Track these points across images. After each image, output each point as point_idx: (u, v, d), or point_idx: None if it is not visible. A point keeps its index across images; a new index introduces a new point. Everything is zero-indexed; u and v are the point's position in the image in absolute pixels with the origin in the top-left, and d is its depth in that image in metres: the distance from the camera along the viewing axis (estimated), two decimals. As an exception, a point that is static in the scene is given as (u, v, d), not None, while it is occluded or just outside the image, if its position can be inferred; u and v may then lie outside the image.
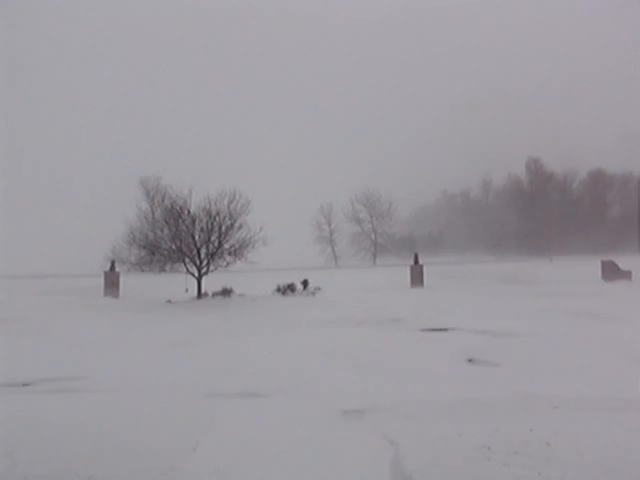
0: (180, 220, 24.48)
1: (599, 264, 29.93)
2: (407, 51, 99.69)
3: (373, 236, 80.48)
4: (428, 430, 5.55)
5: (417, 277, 28.25)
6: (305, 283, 24.07)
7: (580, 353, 10.00)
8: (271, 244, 25.14)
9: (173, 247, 24.51)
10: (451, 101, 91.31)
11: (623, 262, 29.75)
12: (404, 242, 76.84)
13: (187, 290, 24.64)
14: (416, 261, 29.05)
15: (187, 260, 24.49)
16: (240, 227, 24.62)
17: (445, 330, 12.94)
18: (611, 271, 29.23)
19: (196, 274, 24.40)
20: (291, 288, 23.80)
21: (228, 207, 24.47)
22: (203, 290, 24.28)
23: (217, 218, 24.38)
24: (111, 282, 25.89)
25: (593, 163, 73.10)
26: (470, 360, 9.49)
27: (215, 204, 24.45)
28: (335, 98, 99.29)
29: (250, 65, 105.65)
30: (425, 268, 28.85)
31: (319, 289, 23.62)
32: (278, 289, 23.80)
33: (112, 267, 26.25)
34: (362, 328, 14.17)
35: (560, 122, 79.83)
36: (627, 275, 28.64)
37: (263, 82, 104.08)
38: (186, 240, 24.33)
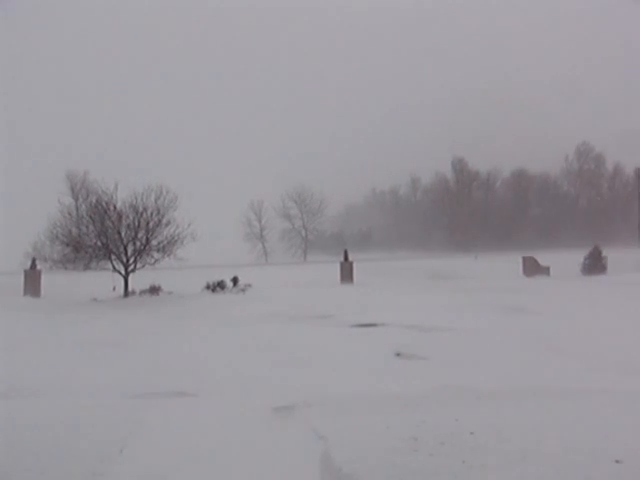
0: (106, 216, 23.72)
1: (520, 260, 31.29)
2: (336, 45, 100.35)
3: (304, 233, 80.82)
4: (357, 423, 5.63)
5: (347, 273, 28.56)
6: (235, 280, 23.84)
7: (503, 345, 10.44)
8: (200, 240, 24.78)
9: (99, 244, 23.71)
10: (381, 101, 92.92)
11: (542, 258, 31.21)
12: (334, 239, 77.54)
13: (114, 288, 23.89)
14: (346, 258, 29.36)
15: (114, 257, 23.76)
16: (168, 223, 24.13)
17: (374, 325, 13.16)
18: (531, 267, 30.62)
19: (123, 272, 23.72)
20: (221, 285, 23.52)
21: (155, 203, 23.95)
22: (130, 288, 23.61)
23: (144, 214, 23.78)
24: (32, 280, 24.73)
25: (516, 163, 76.30)
26: (398, 354, 9.70)
27: (142, 200, 23.87)
28: (267, 95, 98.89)
29: (178, 55, 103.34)
30: (355, 265, 29.20)
31: (249, 286, 23.47)
32: (207, 286, 23.46)
33: (33, 265, 25.10)
34: (292, 324, 14.20)
35: (484, 123, 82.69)
36: (546, 271, 30.09)
37: (192, 74, 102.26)
38: (112, 237, 23.59)
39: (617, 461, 4.57)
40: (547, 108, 79.93)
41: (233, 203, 73.16)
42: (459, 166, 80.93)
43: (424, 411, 6.00)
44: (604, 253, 31.86)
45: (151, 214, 23.81)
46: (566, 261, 30.77)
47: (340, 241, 70.83)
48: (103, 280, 24.46)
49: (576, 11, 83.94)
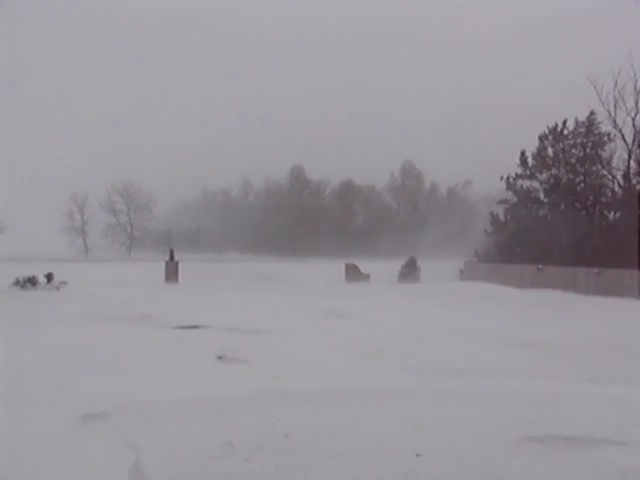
0: None
1: (344, 266, 32.83)
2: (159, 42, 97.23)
3: (129, 229, 77.23)
4: (171, 430, 5.41)
5: (172, 273, 27.77)
6: (49, 276, 21.98)
7: (322, 348, 10.77)
8: (10, 232, 22.50)
9: None
10: (217, 102, 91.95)
11: (365, 266, 33.05)
12: (162, 237, 75.02)
13: None
14: (171, 257, 28.57)
15: None
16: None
17: (197, 327, 12.87)
18: (353, 273, 32.29)
19: None
20: (32, 281, 21.51)
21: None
22: None
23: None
24: None
25: (345, 174, 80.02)
26: (220, 357, 9.56)
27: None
28: (98, 84, 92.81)
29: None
30: (181, 265, 28.51)
31: (65, 283, 21.74)
32: (17, 282, 21.32)
33: None
34: (108, 325, 13.30)
35: (321, 133, 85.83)
36: (366, 277, 31.93)
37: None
38: None
39: (418, 455, 4.90)
40: (378, 125, 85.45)
41: (56, 194, 67.49)
42: (297, 173, 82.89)
43: (242, 415, 5.96)
44: (419, 263, 34.65)
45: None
46: (386, 269, 32.93)
47: (168, 239, 68.69)
48: None
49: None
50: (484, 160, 59.19)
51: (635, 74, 32.94)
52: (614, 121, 34.02)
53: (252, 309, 17.07)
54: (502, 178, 37.26)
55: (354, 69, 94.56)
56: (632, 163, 34.16)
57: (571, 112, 35.23)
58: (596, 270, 27.20)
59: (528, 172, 36.66)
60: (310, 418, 5.95)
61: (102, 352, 9.79)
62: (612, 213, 34.95)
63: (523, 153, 36.68)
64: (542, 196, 36.67)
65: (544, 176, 36.46)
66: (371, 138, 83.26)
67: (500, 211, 37.67)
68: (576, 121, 35.37)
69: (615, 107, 33.69)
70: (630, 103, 33.40)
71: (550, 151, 36.48)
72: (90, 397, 6.77)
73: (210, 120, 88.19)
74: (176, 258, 28.66)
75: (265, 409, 6.27)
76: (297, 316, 15.56)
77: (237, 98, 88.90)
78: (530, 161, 36.66)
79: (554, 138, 36.24)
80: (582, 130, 35.43)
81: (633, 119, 33.59)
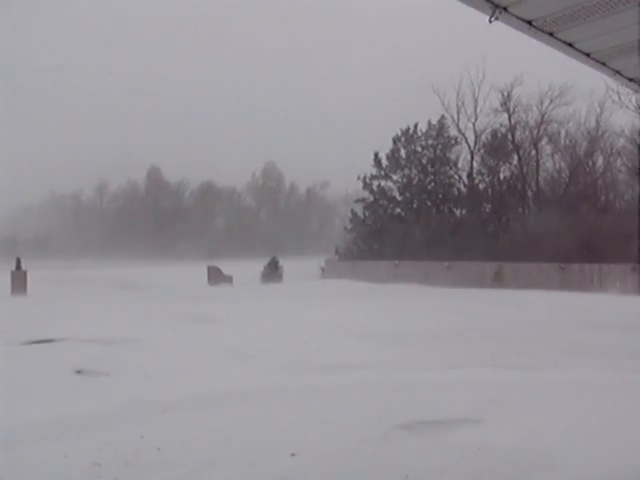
0: None
1: (206, 269, 32.29)
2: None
3: (-38, 236, 70.14)
4: (29, 456, 4.96)
5: (19, 284, 25.59)
6: None
7: (188, 354, 10.49)
8: None
9: None
10: (65, 98, 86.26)
11: (227, 267, 32.72)
12: (4, 244, 68.86)
13: None
14: (18, 266, 26.32)
15: None
16: None
17: (51, 341, 11.96)
18: (215, 276, 31.85)
19: None
20: None
21: None
22: None
23: None
24: None
25: (206, 176, 78.73)
26: (79, 371, 8.96)
27: None
28: None
29: None
30: (30, 274, 26.37)
31: None
32: None
33: None
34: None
35: (179, 134, 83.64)
36: (229, 279, 31.65)
37: None
38: None
39: (293, 454, 4.95)
40: (239, 126, 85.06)
41: None
42: (155, 175, 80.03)
43: (108, 432, 5.62)
44: (281, 263, 35.01)
45: None
46: (249, 270, 32.87)
47: (12, 247, 63.16)
48: None
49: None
50: (341, 161, 61.38)
51: (473, 84, 36.00)
52: (457, 126, 36.94)
53: (111, 318, 16.23)
54: (359, 178, 38.83)
55: (214, 68, 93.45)
56: (474, 164, 37.23)
57: (423, 116, 37.69)
58: (446, 264, 29.20)
59: (383, 172, 38.53)
60: (181, 428, 5.77)
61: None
62: (459, 210, 37.81)
63: (377, 154, 38.51)
64: (397, 195, 38.75)
65: (398, 176, 38.55)
66: (232, 139, 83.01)
67: (359, 209, 39.22)
68: (429, 124, 37.82)
69: (458, 113, 36.60)
70: (470, 110, 36.47)
71: (403, 152, 38.65)
72: None
73: (57, 119, 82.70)
74: (23, 267, 26.45)
75: (133, 423, 5.97)
76: (159, 323, 15.03)
77: (87, 94, 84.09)
78: (384, 162, 38.55)
79: (406, 140, 38.42)
80: (432, 133, 37.94)
81: (474, 124, 36.69)
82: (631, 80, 4.24)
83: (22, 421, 6.10)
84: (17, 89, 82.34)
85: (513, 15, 3.21)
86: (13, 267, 26.46)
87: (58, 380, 8.36)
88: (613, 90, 28.69)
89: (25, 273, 26.18)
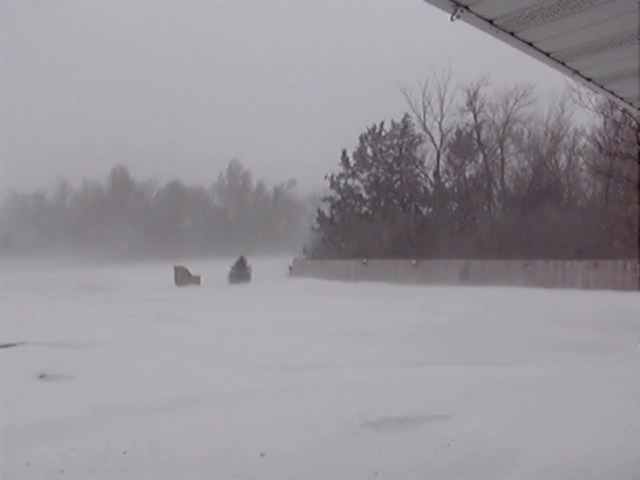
0: None
1: (173, 270, 31.94)
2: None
3: None
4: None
5: (-20, 287, 24.97)
6: None
7: (154, 356, 10.35)
8: None
9: None
10: (27, 95, 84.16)
11: (195, 268, 32.43)
12: (-38, 246, 67.12)
13: None
14: (-22, 269, 25.69)
15: None
16: None
17: (13, 346, 11.67)
18: (183, 276, 31.54)
19: None
20: None
21: None
22: None
23: None
24: None
25: (172, 175, 77.88)
26: (42, 376, 8.75)
27: None
28: None
29: None
30: (-9, 276, 25.76)
31: None
32: None
33: None
34: None
35: (145, 132, 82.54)
36: (196, 280, 31.37)
37: None
38: None
39: (262, 454, 4.93)
40: (205, 125, 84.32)
41: None
42: (120, 174, 78.82)
43: (72, 437, 5.50)
44: (249, 263, 34.82)
45: None
46: (216, 270, 32.61)
47: (-28, 249, 61.56)
48: None
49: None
50: (308, 160, 61.36)
51: (439, 83, 36.40)
52: (424, 125, 37.30)
53: (75, 320, 15.92)
54: (326, 177, 38.90)
55: (180, 67, 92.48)
56: (441, 162, 37.65)
57: (390, 115, 37.96)
58: (414, 262, 29.48)
59: (350, 171, 38.67)
60: (148, 431, 5.68)
61: None
62: (425, 208, 38.20)
63: (344, 153, 38.63)
64: (364, 193, 38.94)
65: (365, 175, 38.73)
66: (198, 138, 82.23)
67: (326, 208, 39.29)
68: (392, 123, 38.10)
69: (424, 112, 36.95)
70: (436, 109, 36.86)
71: (370, 151, 38.85)
72: None
73: (19, 116, 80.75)
74: (-17, 270, 25.80)
75: (98, 427, 5.85)
76: (126, 325, 14.81)
77: (51, 91, 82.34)
78: (351, 160, 38.68)
79: (373, 139, 38.64)
80: (397, 132, 38.23)
81: (440, 123, 37.10)
82: (589, 80, 4.33)
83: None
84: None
85: (474, 14, 3.24)
86: (-27, 270, 25.79)
87: (19, 386, 8.15)
88: (574, 90, 29.35)
89: (-15, 276, 25.54)
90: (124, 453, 4.99)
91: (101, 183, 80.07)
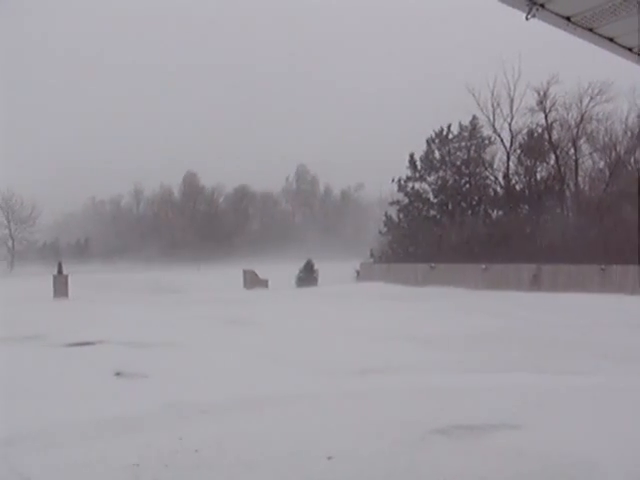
0: None
1: (242, 273, 32.52)
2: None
3: (11, 243, 72.26)
4: (69, 457, 5.05)
5: (61, 287, 26.23)
6: None
7: (226, 358, 10.56)
8: None
9: None
10: (105, 108, 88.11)
11: (263, 271, 32.91)
12: (48, 249, 70.80)
13: None
14: (60, 270, 27.00)
15: None
16: None
17: (92, 344, 12.21)
18: (251, 280, 32.04)
19: None
20: None
21: None
22: None
23: None
24: None
25: (239, 180, 79.51)
26: (118, 374, 9.11)
27: None
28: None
29: None
30: (71, 278, 27.02)
31: None
32: None
33: None
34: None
35: (215, 140, 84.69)
36: (264, 283, 31.79)
37: None
38: None
39: (329, 458, 4.93)
40: (273, 130, 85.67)
41: None
42: (190, 180, 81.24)
43: (147, 433, 5.69)
44: (316, 266, 35.01)
45: None
46: (284, 273, 32.97)
47: (55, 252, 64.81)
48: None
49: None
50: (375, 163, 61.16)
51: (508, 83, 35.45)
52: (493, 126, 36.42)
53: (149, 321, 16.49)
54: (393, 180, 38.59)
55: (247, 75, 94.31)
56: (511, 164, 36.64)
57: (458, 117, 37.26)
58: (483, 266, 28.80)
59: (417, 174, 38.21)
60: (219, 430, 5.80)
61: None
62: (495, 211, 37.26)
63: (412, 156, 38.20)
64: (431, 197, 38.37)
65: (432, 178, 38.17)
66: (266, 144, 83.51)
67: (393, 212, 38.96)
68: (460, 125, 37.39)
69: (493, 113, 36.09)
70: (505, 109, 35.92)
71: (437, 154, 38.27)
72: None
73: (96, 126, 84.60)
74: (65, 271, 27.11)
75: (172, 425, 6.03)
76: (198, 326, 15.20)
77: (124, 103, 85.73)
78: (419, 164, 38.23)
79: (440, 142, 38.05)
80: (465, 134, 37.49)
81: (509, 124, 36.13)
82: (674, 75, 4.11)
83: (62, 424, 6.22)
84: (54, 98, 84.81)
85: (551, 11, 3.15)
86: (55, 271, 27.17)
87: (98, 382, 8.52)
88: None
89: (67, 277, 26.84)
90: (195, 451, 5.11)
91: (172, 188, 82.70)
